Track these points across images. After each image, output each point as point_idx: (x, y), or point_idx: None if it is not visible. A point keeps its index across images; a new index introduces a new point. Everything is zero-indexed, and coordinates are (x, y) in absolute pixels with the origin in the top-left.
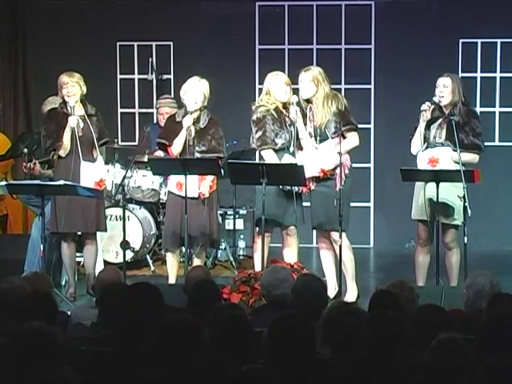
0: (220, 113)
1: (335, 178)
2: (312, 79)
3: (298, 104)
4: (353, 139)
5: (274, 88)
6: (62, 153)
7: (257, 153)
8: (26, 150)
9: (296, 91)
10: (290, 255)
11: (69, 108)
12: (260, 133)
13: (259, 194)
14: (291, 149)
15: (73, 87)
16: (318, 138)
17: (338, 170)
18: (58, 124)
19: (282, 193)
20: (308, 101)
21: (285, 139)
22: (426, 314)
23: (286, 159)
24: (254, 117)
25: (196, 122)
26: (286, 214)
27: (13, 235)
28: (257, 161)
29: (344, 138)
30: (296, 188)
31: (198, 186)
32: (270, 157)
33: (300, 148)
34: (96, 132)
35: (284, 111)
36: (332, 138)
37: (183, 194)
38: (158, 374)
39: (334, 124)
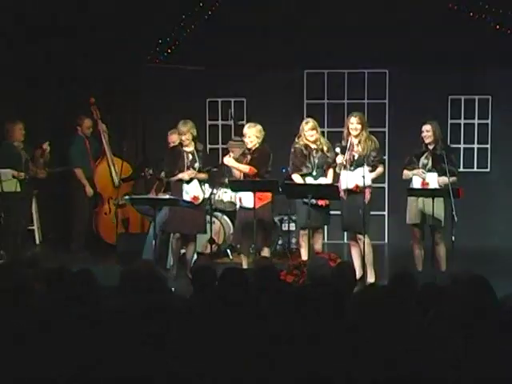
0: (278, 148)
1: (363, 194)
2: (360, 122)
3: (342, 151)
4: (382, 170)
5: (304, 131)
6: (176, 178)
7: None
8: (151, 172)
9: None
10: (317, 245)
11: (185, 154)
12: (291, 163)
13: (299, 206)
14: (314, 173)
15: (187, 139)
16: (354, 164)
17: (366, 189)
18: (174, 158)
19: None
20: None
21: (307, 167)
22: (426, 290)
23: (308, 181)
24: (291, 151)
25: (252, 153)
26: (314, 220)
27: (134, 233)
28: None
29: (375, 167)
30: (313, 201)
31: (254, 201)
32: (297, 179)
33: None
34: (200, 163)
35: (312, 146)
36: (368, 165)
37: (243, 205)
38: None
39: (372, 158)
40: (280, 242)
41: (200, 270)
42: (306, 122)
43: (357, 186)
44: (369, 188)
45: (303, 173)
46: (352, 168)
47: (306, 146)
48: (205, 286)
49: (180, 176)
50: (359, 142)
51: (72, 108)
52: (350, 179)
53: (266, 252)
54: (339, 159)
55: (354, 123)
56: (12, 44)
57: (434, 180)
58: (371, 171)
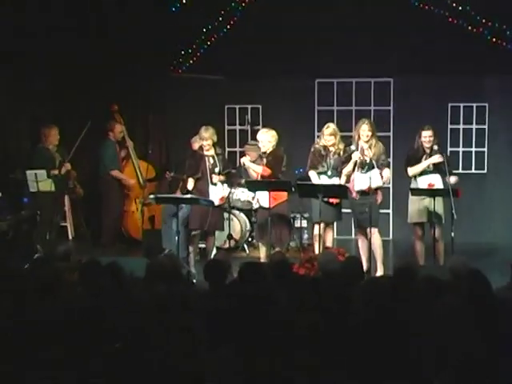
0: (292, 150)
1: (375, 195)
2: (371, 129)
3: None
4: (389, 171)
5: (323, 135)
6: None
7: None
8: (172, 175)
9: (343, 138)
10: (329, 240)
11: (206, 158)
12: (309, 160)
13: (313, 203)
14: (328, 173)
15: (208, 144)
16: (366, 167)
17: (378, 190)
18: (196, 162)
19: (323, 202)
20: (358, 139)
21: (323, 167)
22: (427, 283)
23: (323, 180)
24: (311, 150)
25: (267, 156)
26: (327, 216)
27: (158, 229)
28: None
29: (383, 169)
30: (325, 199)
31: (268, 200)
32: (313, 176)
33: (347, 174)
34: (220, 166)
35: (329, 148)
36: (378, 168)
37: (261, 205)
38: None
39: (381, 161)
40: (293, 237)
41: (213, 264)
42: (327, 127)
43: (370, 188)
44: (380, 189)
45: (319, 171)
46: (364, 171)
47: (325, 148)
48: (218, 279)
49: (188, 185)
50: (369, 147)
51: (101, 114)
52: (364, 181)
53: (278, 249)
54: (355, 156)
55: (365, 130)
56: (44, 51)
57: (438, 181)
58: (381, 173)
